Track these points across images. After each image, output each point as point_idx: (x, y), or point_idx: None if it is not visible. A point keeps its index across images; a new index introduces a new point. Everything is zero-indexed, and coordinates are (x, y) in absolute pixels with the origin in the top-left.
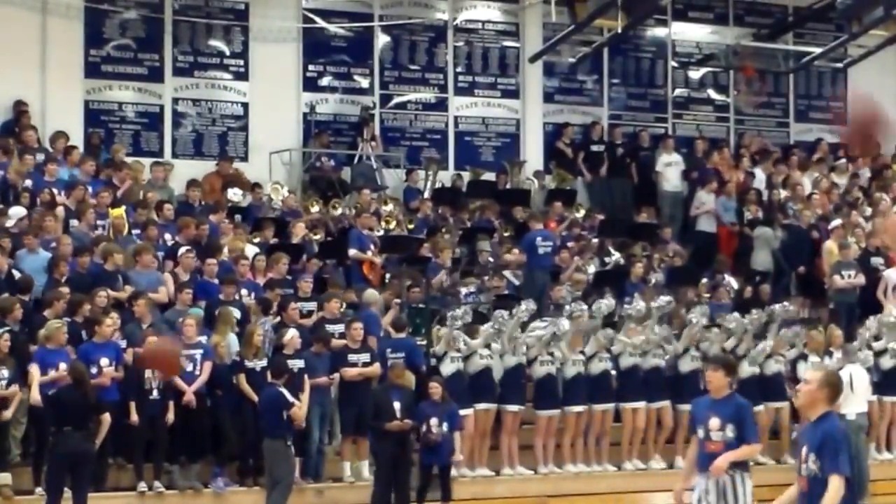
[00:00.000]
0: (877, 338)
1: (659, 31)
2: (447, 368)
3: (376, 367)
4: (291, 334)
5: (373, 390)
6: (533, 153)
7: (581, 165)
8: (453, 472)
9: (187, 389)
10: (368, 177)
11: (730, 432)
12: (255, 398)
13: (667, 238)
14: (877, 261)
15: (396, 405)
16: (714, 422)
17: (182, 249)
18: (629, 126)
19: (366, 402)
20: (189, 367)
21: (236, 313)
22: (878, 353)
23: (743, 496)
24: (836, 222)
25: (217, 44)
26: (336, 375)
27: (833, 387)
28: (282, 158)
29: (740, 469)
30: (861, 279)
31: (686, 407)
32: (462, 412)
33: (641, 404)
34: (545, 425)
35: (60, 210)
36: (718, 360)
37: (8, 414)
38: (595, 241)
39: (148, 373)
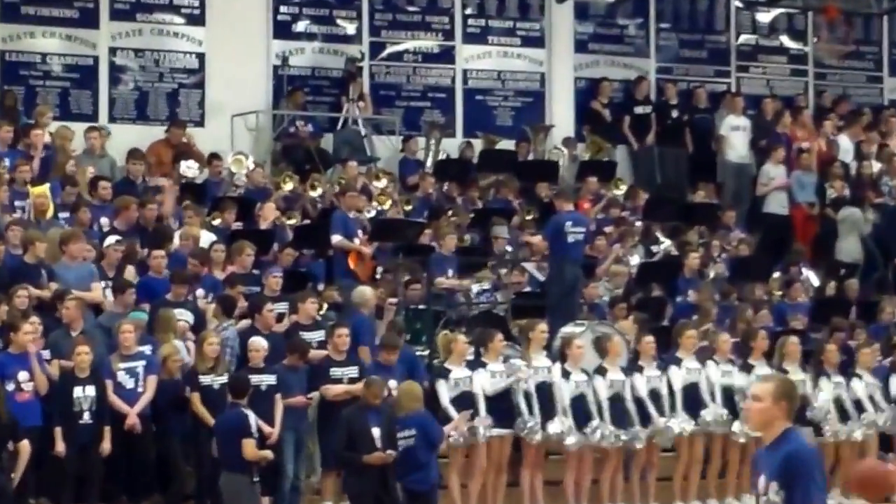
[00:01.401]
0: None
1: None
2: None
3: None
4: (257, 343)
5: (344, 413)
6: (561, 116)
7: (624, 131)
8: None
9: (129, 411)
10: (355, 146)
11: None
12: (212, 422)
13: (729, 222)
14: None
15: (375, 432)
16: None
17: (110, 240)
18: (682, 82)
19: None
20: (130, 384)
21: (187, 316)
22: None
23: None
24: None
25: None
26: (315, 394)
27: (790, 398)
28: (246, 123)
29: None
30: None
31: None
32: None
33: (699, 429)
34: (577, 456)
35: None
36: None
37: None
38: (639, 225)
39: (78, 391)
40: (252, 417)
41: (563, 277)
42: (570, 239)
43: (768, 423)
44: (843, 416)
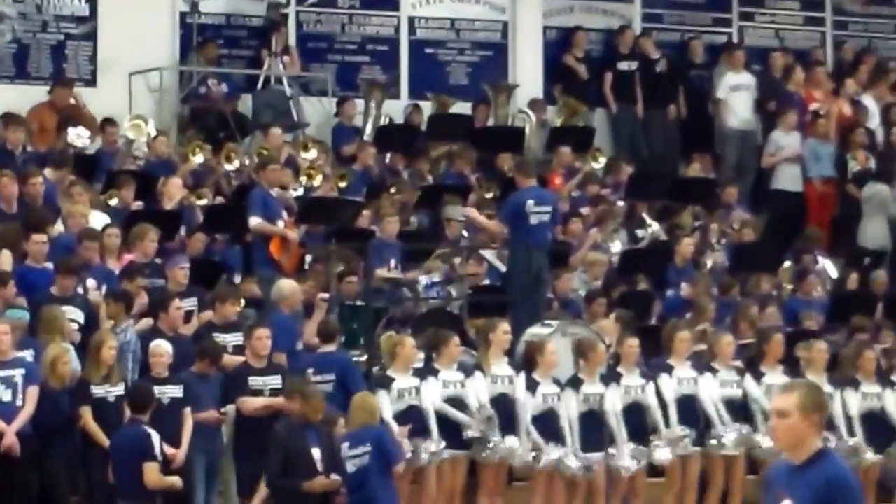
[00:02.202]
0: None
1: None
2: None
3: None
4: (159, 348)
5: (276, 432)
6: (528, 73)
7: (603, 92)
8: None
9: (5, 430)
10: (279, 109)
11: None
12: (107, 442)
13: (730, 201)
14: None
15: (316, 453)
16: None
17: None
18: (674, 32)
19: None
20: (7, 396)
21: (76, 314)
22: None
23: None
24: None
25: None
26: (231, 408)
27: (820, 408)
28: (147, 82)
29: None
30: None
31: None
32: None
33: (695, 450)
34: (545, 482)
35: None
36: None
37: None
38: (621, 204)
39: None
40: (155, 437)
41: (526, 267)
42: (534, 220)
43: (799, 441)
44: (875, 433)
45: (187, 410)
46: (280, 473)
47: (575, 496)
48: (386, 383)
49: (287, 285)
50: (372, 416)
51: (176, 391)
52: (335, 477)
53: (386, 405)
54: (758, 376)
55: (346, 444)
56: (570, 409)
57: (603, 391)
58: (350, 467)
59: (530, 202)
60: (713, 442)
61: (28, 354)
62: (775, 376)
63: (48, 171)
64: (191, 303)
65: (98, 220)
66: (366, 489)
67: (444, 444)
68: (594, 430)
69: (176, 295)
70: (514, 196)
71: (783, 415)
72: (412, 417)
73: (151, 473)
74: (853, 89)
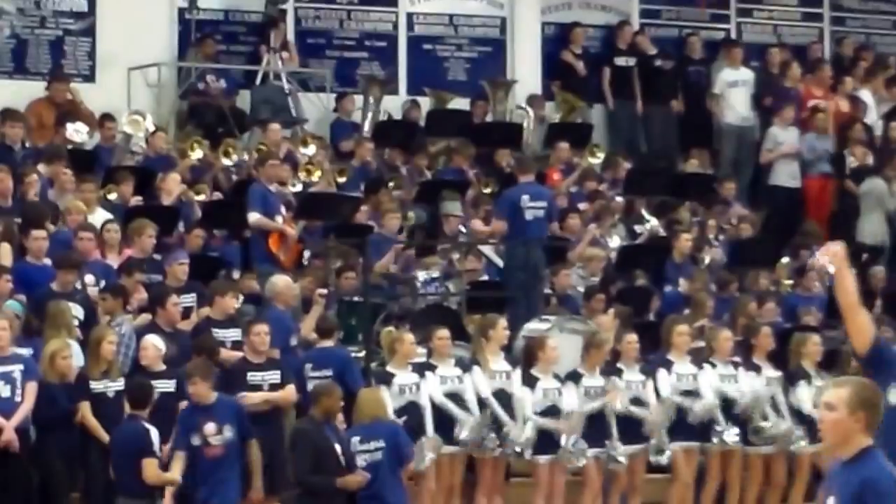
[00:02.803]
0: None
1: None
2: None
3: (290, 391)
4: (149, 341)
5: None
6: (526, 69)
7: (602, 88)
8: None
9: (4, 426)
10: (278, 105)
11: None
12: (106, 438)
13: (728, 196)
14: None
15: (338, 449)
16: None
17: None
18: (671, 28)
19: (275, 442)
20: (6, 392)
21: (77, 311)
22: None
23: None
24: None
25: None
26: None
27: (871, 406)
28: (146, 77)
29: None
30: None
31: None
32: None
33: (694, 445)
34: (547, 478)
35: None
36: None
37: None
38: (620, 200)
39: None
40: (154, 433)
41: (523, 263)
42: (529, 216)
43: (845, 438)
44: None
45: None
46: (311, 471)
47: (576, 492)
48: (386, 379)
49: (281, 281)
50: (384, 410)
51: (169, 386)
52: (366, 473)
53: (387, 401)
54: (756, 371)
55: (356, 439)
56: (571, 404)
57: (603, 385)
58: (361, 462)
59: (525, 198)
60: (714, 440)
61: (25, 350)
62: (767, 371)
63: (41, 167)
64: (190, 299)
65: (98, 216)
66: (377, 484)
67: (440, 441)
68: (596, 424)
69: (174, 290)
70: (509, 192)
71: (830, 407)
72: (412, 414)
73: (151, 469)
74: (851, 85)
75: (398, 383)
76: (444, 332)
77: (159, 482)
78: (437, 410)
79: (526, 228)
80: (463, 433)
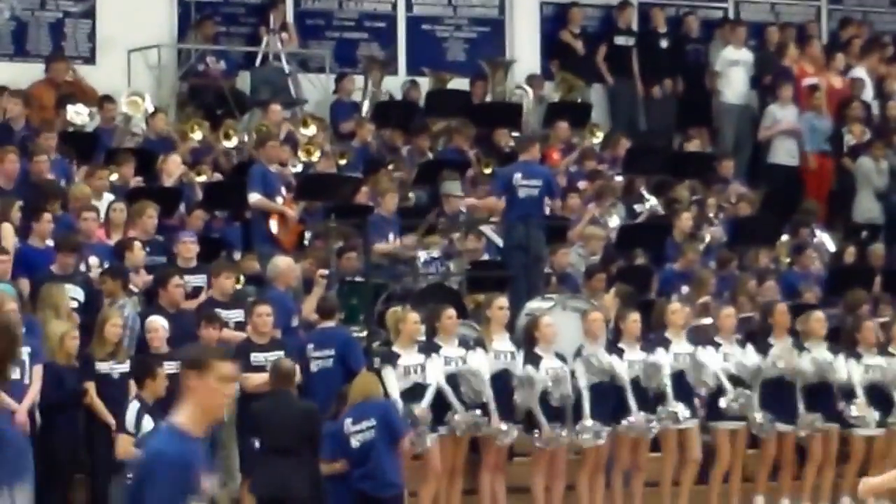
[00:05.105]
0: None
1: None
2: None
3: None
4: (155, 323)
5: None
6: (525, 49)
7: (600, 67)
8: None
9: (16, 408)
10: (277, 86)
11: None
12: (111, 419)
13: (727, 175)
14: None
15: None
16: None
17: None
18: (670, 7)
19: None
20: (15, 375)
21: (76, 293)
22: None
23: None
24: None
25: None
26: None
27: None
28: (146, 59)
29: None
30: None
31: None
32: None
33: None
34: (548, 457)
35: None
36: None
37: None
38: (619, 179)
39: None
40: (132, 409)
41: (521, 242)
42: (522, 194)
43: None
44: (885, 405)
45: None
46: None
47: (576, 470)
48: (391, 359)
49: (282, 262)
50: (376, 387)
51: (173, 367)
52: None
53: (393, 382)
54: (764, 349)
55: (348, 420)
56: (578, 380)
57: (609, 360)
58: (354, 443)
59: (517, 175)
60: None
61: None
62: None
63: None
64: (200, 279)
65: (105, 200)
66: (371, 463)
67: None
68: (604, 400)
69: (177, 272)
70: (503, 170)
71: None
72: (417, 395)
73: (122, 445)
74: (843, 62)
75: (403, 364)
76: (451, 312)
77: (131, 459)
78: (438, 392)
79: (520, 206)
80: (454, 422)
